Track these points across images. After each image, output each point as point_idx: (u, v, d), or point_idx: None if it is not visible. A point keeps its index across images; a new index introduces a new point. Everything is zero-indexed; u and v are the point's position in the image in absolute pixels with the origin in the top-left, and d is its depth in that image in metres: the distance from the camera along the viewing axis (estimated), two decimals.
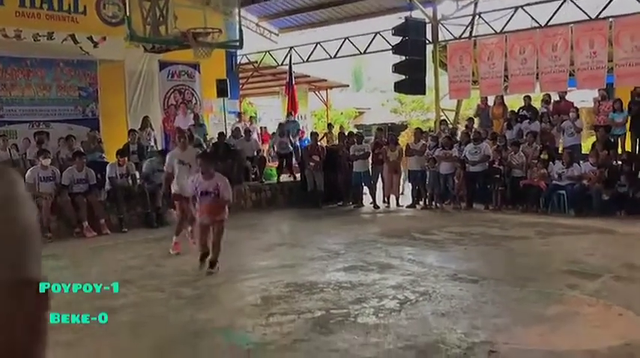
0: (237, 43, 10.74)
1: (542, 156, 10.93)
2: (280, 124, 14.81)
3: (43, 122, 12.01)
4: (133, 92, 14.24)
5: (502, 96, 13.48)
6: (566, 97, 12.88)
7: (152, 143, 12.50)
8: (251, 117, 19.19)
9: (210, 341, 4.48)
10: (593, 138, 11.96)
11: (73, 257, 8.09)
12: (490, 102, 13.56)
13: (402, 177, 12.53)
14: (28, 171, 9.71)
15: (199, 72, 14.86)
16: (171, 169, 7.59)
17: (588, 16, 12.74)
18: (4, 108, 11.62)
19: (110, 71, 13.32)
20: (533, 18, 13.59)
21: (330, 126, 14.74)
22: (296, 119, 16.42)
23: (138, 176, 10.80)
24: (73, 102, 12.47)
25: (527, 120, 12.19)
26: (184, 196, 7.21)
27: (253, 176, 13.27)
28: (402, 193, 12.57)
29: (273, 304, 5.29)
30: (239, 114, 16.09)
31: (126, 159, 10.70)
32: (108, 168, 10.58)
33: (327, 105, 23.08)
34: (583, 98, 15.92)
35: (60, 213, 9.59)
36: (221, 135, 13.32)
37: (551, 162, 10.79)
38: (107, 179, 10.45)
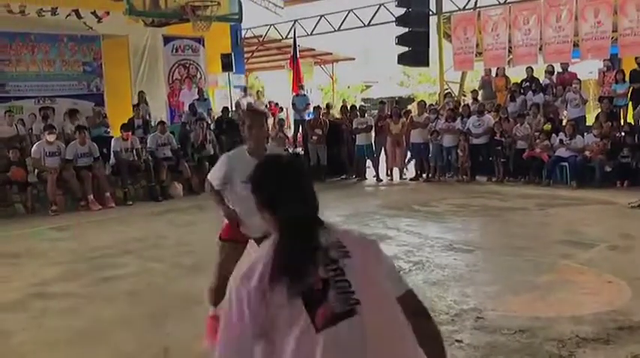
0: (237, 16, 10.70)
1: (545, 127, 10.90)
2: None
3: (48, 97, 12.13)
4: (137, 67, 14.28)
5: (504, 68, 13.39)
6: (574, 69, 12.78)
7: (148, 118, 12.53)
8: (258, 91, 19.20)
9: (205, 308, 4.61)
10: (600, 110, 11.89)
11: (77, 228, 8.26)
12: (493, 74, 13.49)
13: (404, 149, 12.54)
14: (34, 146, 9.88)
15: (204, 46, 14.85)
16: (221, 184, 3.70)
17: None
18: (10, 83, 11.74)
19: (114, 46, 13.36)
20: None
21: (328, 106, 14.65)
22: (306, 93, 16.41)
23: (143, 150, 10.92)
24: (77, 78, 12.56)
25: (531, 92, 12.13)
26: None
27: None
28: (406, 166, 12.60)
29: None
30: (245, 89, 16.10)
31: (130, 133, 10.81)
32: (113, 142, 10.71)
33: (332, 79, 23.02)
34: (590, 69, 15.75)
35: (65, 186, 9.75)
36: (225, 109, 13.39)
37: (554, 134, 10.77)
38: (112, 153, 10.58)
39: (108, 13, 13.41)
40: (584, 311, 4.27)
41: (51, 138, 9.81)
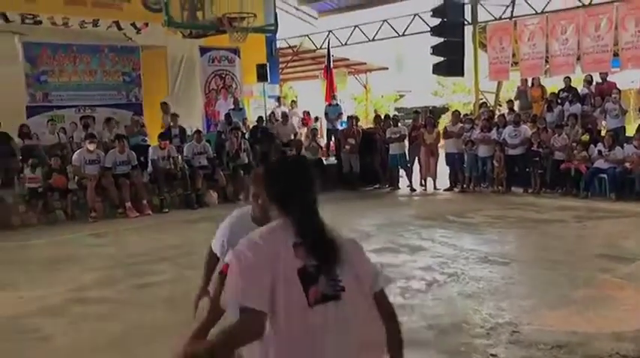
0: (273, 27, 10.83)
1: (582, 138, 10.70)
2: None
3: (88, 107, 12.45)
4: (174, 77, 14.57)
5: (539, 79, 13.22)
6: (614, 78, 12.52)
7: (170, 126, 12.66)
8: (292, 101, 19.34)
9: None
10: None
11: (115, 235, 8.44)
12: (529, 85, 13.33)
13: (438, 159, 12.46)
14: (75, 154, 10.15)
15: (239, 57, 15.05)
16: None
17: None
18: (53, 93, 12.08)
19: (152, 57, 13.66)
20: None
21: (355, 118, 14.50)
22: (338, 103, 16.45)
23: (179, 159, 11.12)
24: (117, 87, 12.87)
25: (568, 102, 11.93)
26: None
27: None
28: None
29: None
30: (278, 99, 16.25)
31: (167, 142, 11.02)
32: (150, 150, 10.93)
33: (366, 89, 23.03)
34: (632, 79, 15.41)
35: (104, 193, 9.98)
36: (260, 119, 13.55)
37: (592, 145, 10.55)
38: (150, 161, 10.79)
39: (147, 25, 13.72)
40: (624, 327, 4.17)
41: (91, 146, 10.07)
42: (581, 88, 12.46)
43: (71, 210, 9.77)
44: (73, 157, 10.11)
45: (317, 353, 1.69)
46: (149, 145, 11.44)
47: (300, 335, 1.69)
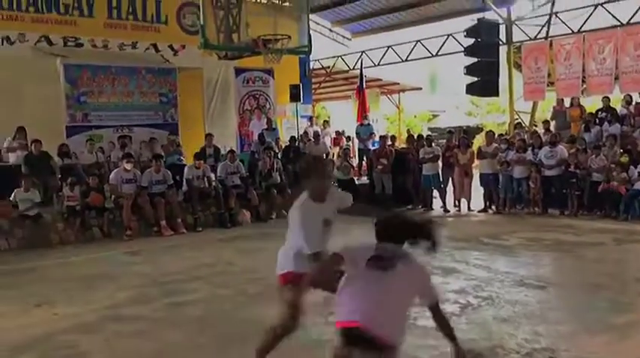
0: (306, 49, 10.94)
1: (622, 159, 10.46)
2: None
3: (126, 126, 12.74)
4: (210, 98, 14.87)
5: (579, 98, 13.02)
6: None
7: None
8: (325, 121, 19.45)
9: None
10: None
11: (150, 253, 8.55)
12: (567, 104, 13.14)
13: (472, 180, 12.32)
14: (112, 173, 10.37)
15: (273, 77, 15.26)
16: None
17: None
18: (92, 113, 12.42)
19: (189, 78, 13.95)
20: (613, 16, 13.04)
21: (393, 137, 14.50)
22: (370, 122, 16.49)
23: (213, 178, 11.25)
24: (154, 108, 13.15)
25: (607, 123, 11.70)
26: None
27: None
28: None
29: (334, 304, 5.40)
30: (311, 118, 16.36)
31: (202, 161, 11.17)
32: (185, 170, 11.10)
33: (399, 109, 23.03)
34: None
35: (140, 212, 10.15)
36: (292, 139, 13.66)
37: (632, 166, 10.31)
38: (184, 180, 10.95)
39: (184, 47, 14.06)
40: None
41: (128, 165, 10.27)
42: (620, 108, 12.23)
43: (107, 228, 9.96)
44: (110, 176, 10.33)
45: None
46: (184, 164, 11.62)
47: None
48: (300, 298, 3.32)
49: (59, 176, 10.64)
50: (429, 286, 2.94)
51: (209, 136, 12.79)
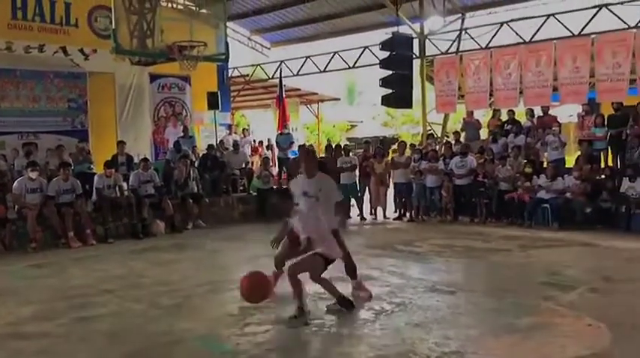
0: (224, 56, 10.84)
1: (526, 169, 11.05)
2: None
3: (32, 133, 12.10)
4: (123, 104, 14.38)
5: (499, 110, 13.66)
6: (555, 112, 13.06)
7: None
8: (244, 129, 19.31)
9: (185, 350, 4.54)
10: (579, 153, 12.10)
11: (56, 266, 8.12)
12: (478, 116, 13.76)
13: (388, 189, 12.61)
14: (16, 183, 9.76)
15: (190, 84, 15.01)
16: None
17: (571, 32, 12.96)
18: None
19: (100, 83, 13.45)
20: (517, 34, 13.80)
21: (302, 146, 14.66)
22: (290, 132, 16.54)
23: (125, 187, 10.87)
24: (62, 114, 12.57)
25: (512, 134, 12.34)
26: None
27: (241, 188, 13.37)
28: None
29: (250, 314, 5.34)
30: (229, 127, 16.20)
31: (113, 170, 10.76)
32: (95, 179, 10.65)
33: (318, 118, 23.26)
34: (571, 112, 16.12)
35: (45, 223, 9.63)
36: (210, 147, 13.45)
37: (535, 176, 10.91)
38: (95, 190, 10.50)
39: (95, 51, 13.55)
40: (566, 354, 4.26)
41: (33, 174, 9.71)
42: (524, 121, 12.92)
43: (10, 240, 9.37)
44: (14, 185, 9.72)
45: None
46: (95, 173, 11.15)
47: None
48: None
49: None
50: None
51: (121, 144, 12.36)
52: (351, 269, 5.83)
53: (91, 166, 11.76)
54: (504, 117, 13.52)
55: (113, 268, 7.86)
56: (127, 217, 10.56)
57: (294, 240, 5.51)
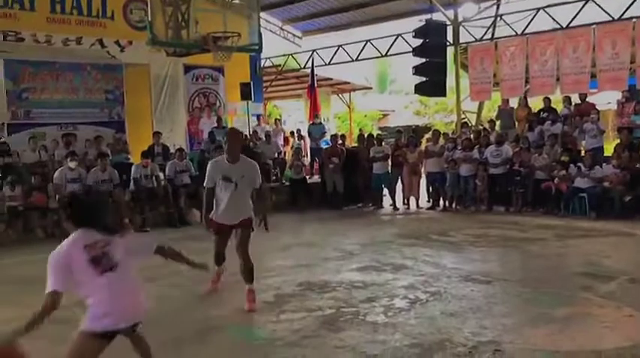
0: (257, 47, 10.89)
1: (562, 158, 10.85)
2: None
3: (70, 124, 12.38)
4: (158, 95, 14.58)
5: (526, 98, 13.41)
6: (593, 99, 12.76)
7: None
8: (276, 119, 19.38)
9: (221, 337, 4.63)
10: (618, 141, 11.81)
11: None
12: (513, 104, 13.52)
13: (421, 179, 12.54)
14: (56, 172, 10.06)
15: (223, 75, 15.12)
16: (212, 184, 5.50)
17: (611, 16, 12.59)
18: (34, 110, 12.03)
19: (136, 74, 13.66)
20: (554, 19, 13.49)
21: (343, 136, 14.60)
22: (322, 122, 16.54)
23: (162, 177, 11.06)
24: (99, 105, 12.84)
25: (549, 122, 12.12)
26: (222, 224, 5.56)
27: (274, 177, 13.47)
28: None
29: (285, 302, 5.42)
30: (258, 117, 16.28)
31: (150, 160, 10.96)
32: (132, 169, 10.87)
33: (350, 108, 23.19)
34: (609, 99, 15.72)
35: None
36: (244, 137, 13.53)
37: (572, 165, 10.71)
38: (132, 180, 10.72)
39: (131, 43, 13.74)
40: (604, 345, 4.20)
41: (72, 164, 9.98)
42: (561, 109, 12.67)
43: (51, 228, 9.64)
44: (55, 175, 10.01)
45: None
46: (132, 163, 11.37)
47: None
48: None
49: None
50: (139, 243, 3.43)
51: (157, 134, 12.56)
52: (247, 271, 5.41)
53: (128, 157, 11.99)
54: (536, 105, 13.26)
55: (151, 256, 8.01)
56: (163, 206, 10.76)
57: (220, 231, 5.58)
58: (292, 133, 17.90)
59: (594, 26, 12.47)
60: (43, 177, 10.13)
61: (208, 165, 5.48)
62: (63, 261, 3.00)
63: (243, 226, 5.40)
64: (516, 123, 13.25)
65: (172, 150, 12.11)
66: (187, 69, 14.58)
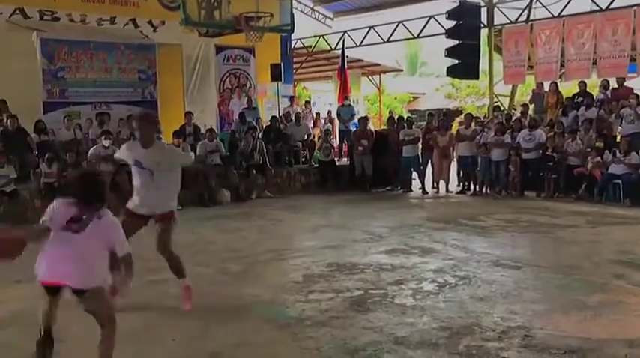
0: (289, 28, 10.87)
1: (597, 144, 10.63)
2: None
3: (104, 103, 12.56)
4: (190, 75, 14.69)
5: (556, 84, 13.14)
6: (631, 84, 12.44)
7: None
8: (306, 101, 19.37)
9: (252, 315, 4.70)
10: None
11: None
12: (547, 88, 13.27)
13: (452, 162, 12.43)
14: (91, 150, 10.25)
15: (254, 56, 15.13)
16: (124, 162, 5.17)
17: None
18: (69, 89, 12.21)
19: (168, 54, 13.76)
20: (593, 1, 13.14)
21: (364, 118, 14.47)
22: (351, 103, 16.48)
23: (224, 151, 11.21)
24: (132, 85, 12.97)
25: (583, 107, 11.86)
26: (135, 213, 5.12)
27: (303, 159, 13.51)
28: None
29: (314, 282, 5.46)
30: (291, 99, 16.29)
31: (181, 140, 11.09)
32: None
33: (379, 90, 23.03)
34: None
35: (118, 190, 10.03)
36: (273, 119, 13.60)
37: (607, 151, 10.49)
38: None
39: (164, 23, 13.85)
40: (636, 334, 4.15)
41: (106, 142, 10.15)
42: (597, 93, 12.38)
43: None
44: (90, 152, 10.21)
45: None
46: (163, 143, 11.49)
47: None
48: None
49: (36, 152, 10.47)
50: (118, 240, 3.40)
51: (188, 114, 12.68)
52: (174, 266, 5.10)
53: (160, 136, 12.10)
54: (568, 91, 12.96)
55: (182, 234, 8.11)
56: (194, 185, 10.89)
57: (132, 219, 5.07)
58: (318, 114, 17.86)
59: (635, 8, 12.10)
60: (77, 155, 10.32)
61: (122, 145, 5.33)
62: (49, 211, 3.44)
63: (162, 221, 5.05)
64: (547, 108, 13.00)
65: (203, 131, 12.22)
66: (219, 49, 14.63)
